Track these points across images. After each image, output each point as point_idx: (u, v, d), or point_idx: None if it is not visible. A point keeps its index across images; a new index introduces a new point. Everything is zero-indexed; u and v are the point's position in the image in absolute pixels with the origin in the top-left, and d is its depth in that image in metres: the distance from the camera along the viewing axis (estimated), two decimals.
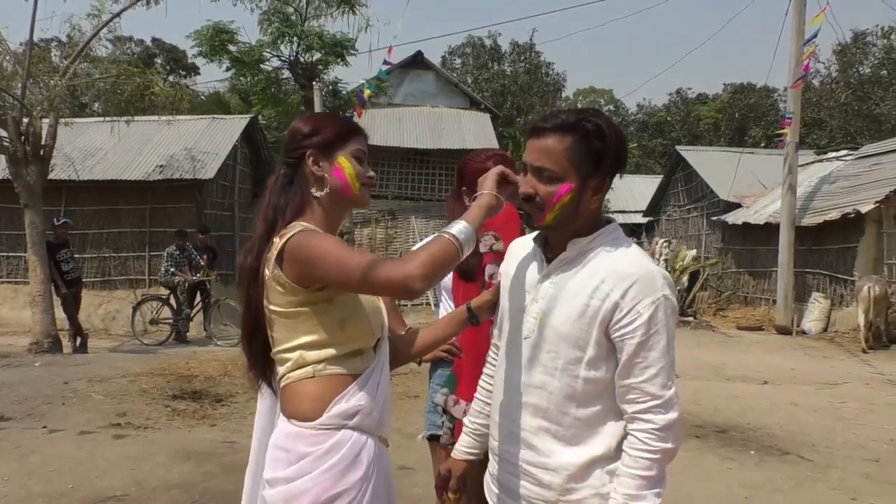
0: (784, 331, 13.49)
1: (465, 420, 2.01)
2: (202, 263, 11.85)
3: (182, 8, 12.55)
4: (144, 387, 6.96)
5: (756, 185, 18.81)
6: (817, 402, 7.28)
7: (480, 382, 2.01)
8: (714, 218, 19.34)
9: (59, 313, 10.26)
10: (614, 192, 23.44)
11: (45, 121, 10.28)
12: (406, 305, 13.92)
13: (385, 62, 9.40)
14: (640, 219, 26.61)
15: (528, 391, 1.69)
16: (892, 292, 12.31)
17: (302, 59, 12.08)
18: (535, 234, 1.81)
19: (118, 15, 10.61)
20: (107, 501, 4.02)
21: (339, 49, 11.92)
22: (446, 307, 2.63)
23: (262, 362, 1.74)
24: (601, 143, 1.60)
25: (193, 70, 39.49)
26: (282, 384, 1.67)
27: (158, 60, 37.66)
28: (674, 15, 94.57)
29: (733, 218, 17.92)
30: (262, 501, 1.65)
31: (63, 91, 10.38)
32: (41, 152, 10.02)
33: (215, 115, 17.95)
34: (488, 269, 2.42)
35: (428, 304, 14.30)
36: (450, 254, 1.54)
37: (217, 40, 11.13)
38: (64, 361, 8.66)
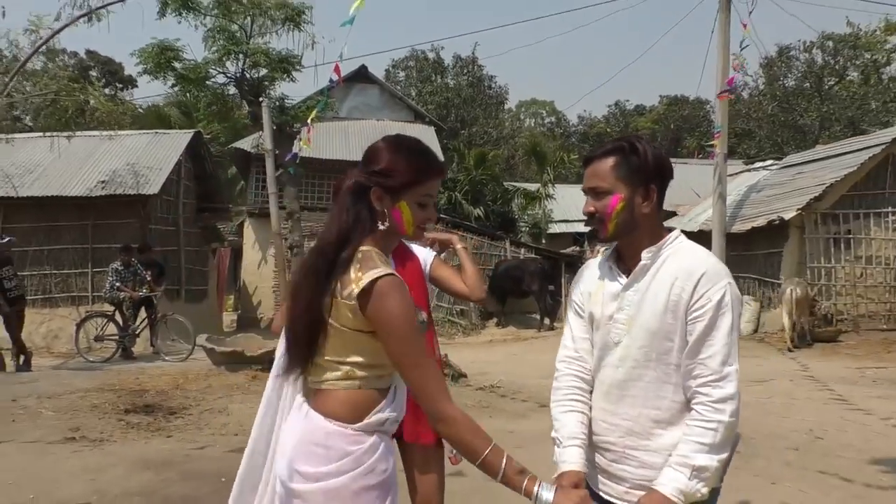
0: None
1: (567, 435, 1.99)
2: (148, 278, 11.78)
3: (121, 22, 12.47)
4: (95, 402, 6.96)
5: (690, 194, 19.53)
6: (747, 399, 7.61)
7: (568, 401, 2.04)
8: None
9: (1, 332, 10.07)
10: (557, 202, 24.01)
11: None
12: None
13: (330, 80, 9.58)
14: (582, 227, 27.08)
15: (626, 385, 1.94)
16: (815, 294, 13.04)
17: (248, 76, 12.17)
18: (603, 256, 2.11)
19: (59, 31, 10.55)
20: None
21: (286, 65, 12.09)
22: None
23: (307, 352, 1.78)
24: (637, 157, 1.94)
25: (130, 83, 38.69)
26: (323, 386, 1.78)
27: (94, 73, 36.78)
28: (612, 30, 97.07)
29: (668, 226, 18.56)
30: (284, 488, 1.77)
31: (2, 108, 10.24)
32: None
33: (158, 130, 17.73)
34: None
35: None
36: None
37: (162, 58, 11.17)
38: (9, 380, 8.54)
